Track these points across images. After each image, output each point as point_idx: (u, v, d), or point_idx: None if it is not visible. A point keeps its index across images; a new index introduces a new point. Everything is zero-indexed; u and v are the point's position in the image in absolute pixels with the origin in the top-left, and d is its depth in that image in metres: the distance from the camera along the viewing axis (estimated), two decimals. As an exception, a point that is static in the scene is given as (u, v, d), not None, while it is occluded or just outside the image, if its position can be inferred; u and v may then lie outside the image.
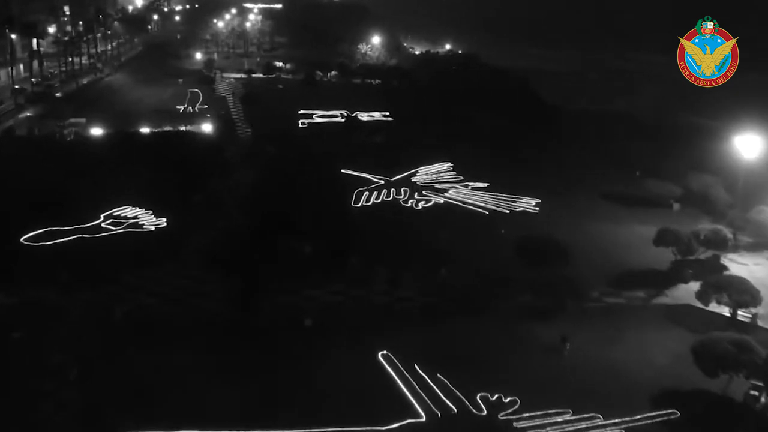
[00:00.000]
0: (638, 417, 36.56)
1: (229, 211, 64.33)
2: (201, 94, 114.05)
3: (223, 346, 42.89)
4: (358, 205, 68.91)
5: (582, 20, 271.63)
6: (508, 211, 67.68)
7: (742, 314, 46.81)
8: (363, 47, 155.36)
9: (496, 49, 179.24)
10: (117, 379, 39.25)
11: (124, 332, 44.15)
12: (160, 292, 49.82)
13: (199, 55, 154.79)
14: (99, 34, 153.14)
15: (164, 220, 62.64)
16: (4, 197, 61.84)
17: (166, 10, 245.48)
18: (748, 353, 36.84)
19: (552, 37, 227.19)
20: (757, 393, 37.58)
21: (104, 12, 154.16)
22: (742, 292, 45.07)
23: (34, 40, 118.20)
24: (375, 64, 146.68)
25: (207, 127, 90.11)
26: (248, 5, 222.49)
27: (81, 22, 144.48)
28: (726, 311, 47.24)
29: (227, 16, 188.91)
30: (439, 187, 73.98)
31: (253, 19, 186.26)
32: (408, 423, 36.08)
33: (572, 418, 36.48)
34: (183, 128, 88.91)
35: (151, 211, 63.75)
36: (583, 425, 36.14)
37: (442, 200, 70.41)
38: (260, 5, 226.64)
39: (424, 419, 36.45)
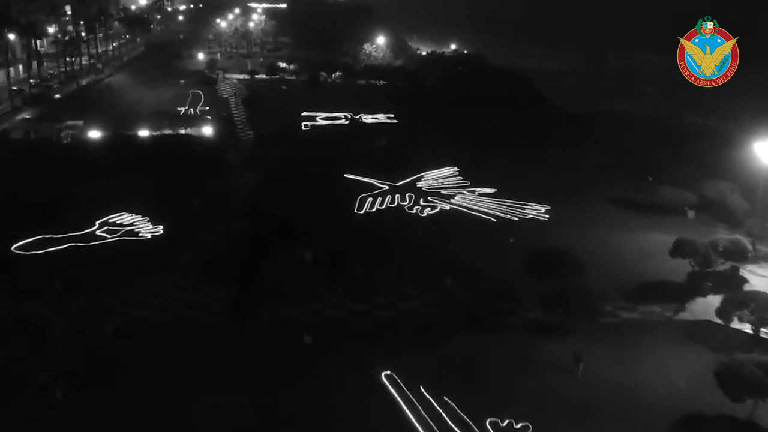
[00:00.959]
0: (658, 445, 34.45)
1: (228, 218, 62.23)
2: (203, 96, 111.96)
3: (217, 364, 40.80)
4: (362, 212, 66.67)
5: (583, 19, 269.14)
6: (516, 219, 65.31)
7: (766, 332, 44.42)
8: (367, 47, 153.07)
9: (497, 48, 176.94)
10: (104, 399, 37.21)
11: (114, 348, 42.07)
12: (154, 305, 47.72)
13: (201, 56, 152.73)
14: (101, 34, 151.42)
15: (161, 227, 60.48)
16: (-2, 203, 60.18)
17: (169, 9, 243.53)
18: (775, 377, 34.56)
19: (552, 36, 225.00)
20: None
21: (106, 12, 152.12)
22: (765, 309, 42.68)
23: (35, 41, 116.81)
24: (380, 65, 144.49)
25: (207, 130, 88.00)
26: (252, 5, 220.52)
27: (82, 22, 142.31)
28: (748, 327, 44.83)
29: (230, 16, 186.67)
30: (445, 192, 71.70)
31: (256, 19, 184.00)
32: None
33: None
34: (183, 131, 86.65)
35: (147, 218, 61.58)
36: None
37: (448, 207, 68.12)
38: (264, 5, 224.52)
39: (430, 447, 34.36)
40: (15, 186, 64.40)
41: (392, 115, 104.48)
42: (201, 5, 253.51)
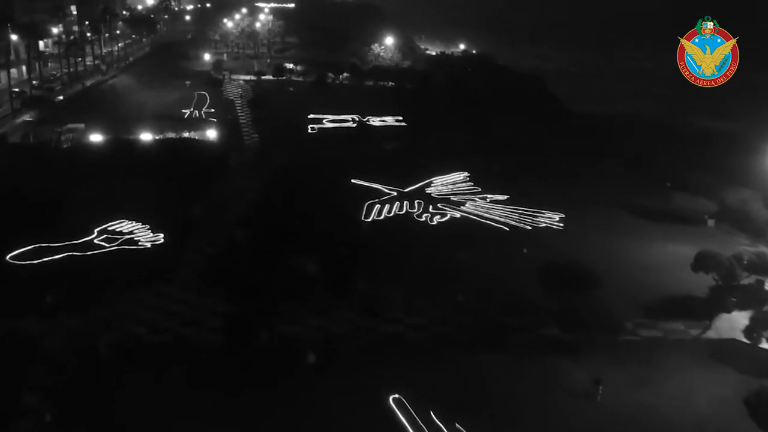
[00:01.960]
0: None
1: (230, 226, 60.18)
2: (208, 97, 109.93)
3: (215, 385, 38.63)
4: (369, 220, 64.46)
5: (592, 18, 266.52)
6: (530, 228, 62.96)
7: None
8: (376, 48, 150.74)
9: (500, 48, 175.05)
10: (96, 422, 35.11)
11: (107, 367, 40.03)
12: (151, 320, 45.58)
13: (207, 56, 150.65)
14: (106, 35, 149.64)
15: (161, 235, 58.39)
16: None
17: (176, 9, 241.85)
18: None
19: (557, 35, 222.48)
20: None
21: (111, 12, 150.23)
22: (795, 328, 40.36)
23: (39, 42, 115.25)
24: (388, 66, 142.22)
25: (212, 134, 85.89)
26: (260, 4, 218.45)
27: (87, 23, 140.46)
28: (775, 347, 42.55)
29: (237, 16, 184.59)
30: (455, 199, 69.41)
31: (263, 19, 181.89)
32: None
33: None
34: (186, 134, 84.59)
35: (148, 226, 59.46)
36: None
37: (458, 214, 65.84)
38: (272, 4, 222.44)
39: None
40: (12, 192, 62.34)
41: (400, 118, 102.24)
42: (208, 5, 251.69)
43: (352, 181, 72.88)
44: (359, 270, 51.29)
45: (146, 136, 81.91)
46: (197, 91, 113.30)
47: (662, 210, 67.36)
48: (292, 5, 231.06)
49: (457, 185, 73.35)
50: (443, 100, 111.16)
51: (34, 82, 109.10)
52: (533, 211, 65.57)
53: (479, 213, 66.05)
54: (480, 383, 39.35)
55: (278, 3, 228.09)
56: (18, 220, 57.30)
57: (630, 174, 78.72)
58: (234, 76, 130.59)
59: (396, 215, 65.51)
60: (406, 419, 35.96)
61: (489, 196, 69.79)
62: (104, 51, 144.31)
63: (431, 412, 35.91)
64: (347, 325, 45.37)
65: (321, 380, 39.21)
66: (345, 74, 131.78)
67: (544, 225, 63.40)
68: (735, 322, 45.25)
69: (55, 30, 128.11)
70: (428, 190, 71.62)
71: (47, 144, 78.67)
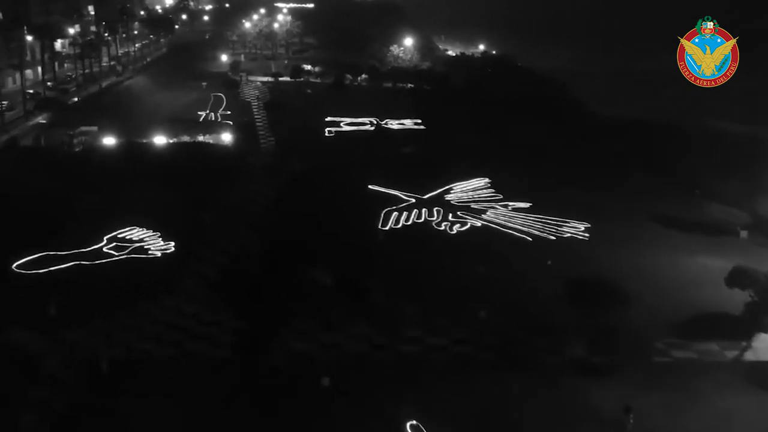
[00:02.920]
0: None
1: (244, 234, 58.31)
2: (225, 99, 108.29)
3: (222, 405, 36.64)
4: (386, 228, 62.29)
5: (604, 18, 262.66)
6: (554, 238, 60.50)
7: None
8: (394, 49, 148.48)
9: (519, 48, 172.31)
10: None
11: (110, 385, 38.19)
12: (157, 334, 43.65)
13: (225, 57, 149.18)
14: (124, 35, 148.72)
15: (172, 244, 56.56)
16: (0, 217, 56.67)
17: (195, 9, 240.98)
18: None
19: (571, 35, 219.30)
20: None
21: (128, 12, 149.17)
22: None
23: (55, 43, 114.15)
24: (407, 67, 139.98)
25: (227, 137, 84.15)
26: (279, 4, 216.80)
27: (104, 23, 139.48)
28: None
29: (255, 17, 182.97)
30: (475, 207, 67.07)
31: (281, 20, 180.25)
32: None
33: None
34: (201, 138, 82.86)
35: (159, 234, 57.66)
36: None
37: (479, 223, 63.51)
38: (291, 5, 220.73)
39: None
40: (21, 197, 60.89)
41: (419, 121, 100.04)
42: (227, 5, 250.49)
43: (369, 187, 70.82)
44: (375, 283, 49.12)
45: (160, 140, 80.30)
46: (214, 92, 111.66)
47: (692, 220, 64.58)
48: (311, 5, 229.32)
49: (477, 192, 71.04)
50: (463, 103, 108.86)
51: (48, 83, 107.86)
52: (557, 220, 63.11)
53: (501, 222, 63.70)
54: (502, 409, 37.05)
55: (297, 3, 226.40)
56: (26, 226, 55.69)
57: (657, 181, 75.92)
58: (251, 78, 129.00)
59: (414, 223, 63.36)
60: (424, 449, 33.84)
61: (511, 203, 67.41)
62: (121, 52, 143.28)
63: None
64: (361, 342, 43.15)
65: (332, 404, 37.06)
66: (363, 76, 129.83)
67: (568, 235, 60.91)
68: (774, 343, 42.68)
69: (71, 31, 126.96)
70: (448, 197, 69.41)
71: (59, 147, 77.09)
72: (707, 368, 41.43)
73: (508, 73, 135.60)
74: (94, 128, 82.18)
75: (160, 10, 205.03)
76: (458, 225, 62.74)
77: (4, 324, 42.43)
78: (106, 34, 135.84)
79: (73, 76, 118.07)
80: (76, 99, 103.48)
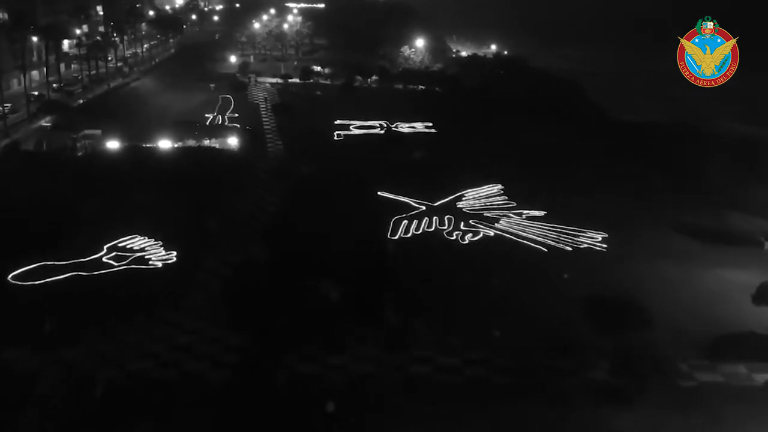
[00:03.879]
0: None
1: (247, 245, 56.27)
2: (233, 101, 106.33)
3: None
4: (396, 237, 60.12)
5: (602, 17, 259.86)
6: (570, 249, 58.16)
7: None
8: (406, 50, 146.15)
9: (530, 49, 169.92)
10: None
11: (104, 409, 36.20)
12: (156, 352, 41.64)
13: (233, 58, 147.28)
14: (132, 36, 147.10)
15: (174, 253, 54.57)
16: (-1, 225, 54.88)
17: (206, 9, 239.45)
18: None
19: (575, 35, 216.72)
20: None
21: (136, 12, 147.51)
22: None
23: (62, 43, 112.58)
24: (418, 69, 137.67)
25: (233, 141, 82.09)
26: (290, 5, 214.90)
27: (112, 23, 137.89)
28: None
29: (265, 17, 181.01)
30: (488, 215, 64.81)
31: (291, 20, 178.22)
32: None
33: None
34: (207, 142, 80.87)
35: (160, 243, 55.68)
36: None
37: (492, 232, 61.25)
38: (302, 5, 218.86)
39: None
40: (20, 204, 59.05)
41: (430, 124, 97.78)
42: (237, 5, 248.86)
43: (379, 193, 68.70)
44: (383, 297, 46.99)
45: (165, 144, 78.36)
46: (222, 94, 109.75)
47: (713, 229, 62.03)
48: (322, 5, 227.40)
49: (490, 199, 68.80)
50: (475, 105, 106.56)
51: (54, 85, 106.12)
52: (573, 230, 60.77)
53: (514, 231, 61.42)
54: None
55: (308, 3, 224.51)
56: (25, 234, 53.71)
57: (676, 188, 73.44)
58: (260, 79, 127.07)
59: (424, 232, 61.17)
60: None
61: (525, 211, 65.12)
62: (129, 52, 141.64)
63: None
64: (369, 363, 40.98)
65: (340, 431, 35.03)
66: (374, 77, 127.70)
67: (585, 246, 58.56)
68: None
69: (78, 31, 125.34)
70: (459, 204, 67.20)
71: (61, 152, 75.15)
72: (735, 393, 39.06)
73: (521, 74, 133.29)
74: (98, 132, 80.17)
75: (170, 11, 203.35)
76: (470, 234, 60.51)
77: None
78: (115, 35, 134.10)
79: (79, 77, 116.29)
80: (81, 101, 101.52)
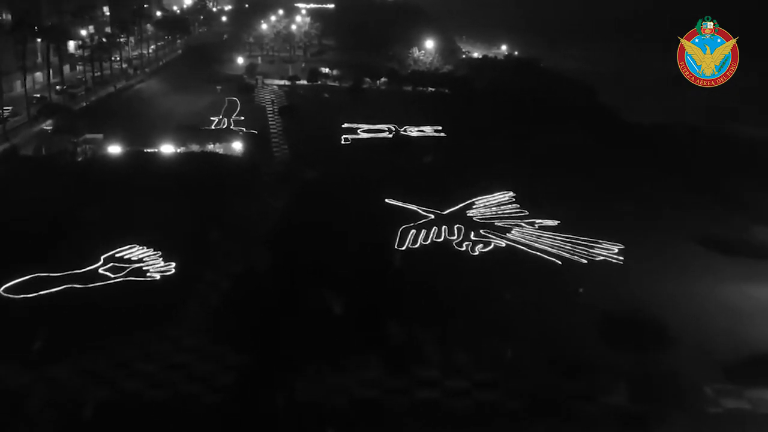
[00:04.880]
0: None
1: (249, 256, 54.19)
2: (239, 104, 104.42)
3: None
4: (403, 248, 57.88)
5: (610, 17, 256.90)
6: (585, 261, 55.78)
7: None
8: (415, 51, 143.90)
9: (541, 50, 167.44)
10: None
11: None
12: (149, 372, 39.58)
13: (241, 60, 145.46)
14: (139, 37, 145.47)
15: (173, 264, 52.55)
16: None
17: (214, 10, 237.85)
18: None
19: (588, 36, 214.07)
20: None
21: (143, 13, 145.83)
22: None
23: (67, 44, 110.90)
24: (428, 71, 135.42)
25: (238, 146, 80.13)
26: (299, 5, 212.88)
27: (118, 24, 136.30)
28: None
29: (273, 18, 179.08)
30: (499, 224, 62.52)
31: (300, 21, 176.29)
32: None
33: None
34: (211, 147, 78.89)
35: (159, 253, 53.69)
36: None
37: (503, 243, 58.96)
38: (311, 5, 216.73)
39: None
40: (15, 212, 57.22)
41: (440, 128, 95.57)
42: (247, 5, 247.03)
43: (386, 200, 66.55)
44: (389, 312, 44.87)
45: (167, 149, 76.44)
46: (228, 97, 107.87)
47: (734, 241, 59.40)
48: (331, 6, 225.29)
49: (501, 207, 66.50)
50: (486, 108, 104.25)
51: (57, 87, 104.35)
52: (588, 241, 58.38)
53: (527, 242, 59.09)
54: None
55: (317, 3, 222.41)
56: (19, 244, 51.89)
57: (695, 196, 70.96)
58: (267, 81, 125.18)
59: (433, 242, 58.93)
60: None
61: (537, 221, 62.79)
62: (134, 53, 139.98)
63: None
64: (373, 387, 38.73)
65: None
66: (383, 79, 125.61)
67: (601, 258, 56.17)
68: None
69: (84, 32, 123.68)
70: (469, 213, 64.94)
71: (61, 156, 73.23)
72: (763, 421, 36.63)
73: (532, 75, 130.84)
74: (100, 136, 78.41)
75: (177, 11, 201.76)
76: (481, 245, 58.22)
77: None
78: (121, 36, 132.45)
79: (83, 79, 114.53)
80: (84, 103, 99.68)
